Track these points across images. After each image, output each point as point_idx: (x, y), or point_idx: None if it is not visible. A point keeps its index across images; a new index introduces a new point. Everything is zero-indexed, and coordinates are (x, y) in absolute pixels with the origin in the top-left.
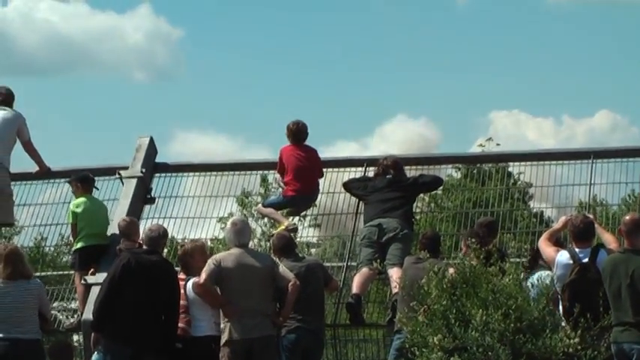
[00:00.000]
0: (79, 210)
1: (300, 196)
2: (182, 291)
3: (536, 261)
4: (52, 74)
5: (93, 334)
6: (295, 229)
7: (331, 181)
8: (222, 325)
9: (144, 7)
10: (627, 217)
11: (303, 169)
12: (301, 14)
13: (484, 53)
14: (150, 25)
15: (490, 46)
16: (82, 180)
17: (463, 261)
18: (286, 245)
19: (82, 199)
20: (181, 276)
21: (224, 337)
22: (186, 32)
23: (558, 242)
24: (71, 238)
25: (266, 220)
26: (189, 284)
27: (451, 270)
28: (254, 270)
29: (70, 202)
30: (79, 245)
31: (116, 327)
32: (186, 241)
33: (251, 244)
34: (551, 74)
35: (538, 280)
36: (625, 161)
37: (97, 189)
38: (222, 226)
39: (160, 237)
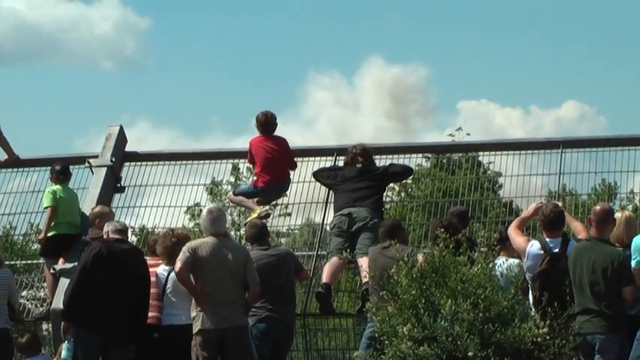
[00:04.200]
0: (56, 196)
1: (270, 187)
2: (153, 279)
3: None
4: (18, 63)
5: (63, 323)
6: (268, 215)
7: (301, 171)
8: (193, 314)
9: None
10: (598, 207)
11: (271, 161)
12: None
13: (453, 43)
14: (117, 14)
15: (459, 36)
16: (62, 171)
17: (432, 250)
18: (259, 233)
19: (57, 187)
20: (151, 262)
21: (196, 326)
22: (153, 22)
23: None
24: (42, 225)
25: (234, 209)
26: (173, 273)
27: (420, 257)
28: (228, 260)
29: (39, 191)
30: (51, 233)
31: (87, 316)
32: (159, 230)
33: None
34: (518, 65)
35: (508, 270)
36: (594, 151)
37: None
38: (190, 217)
39: (127, 229)
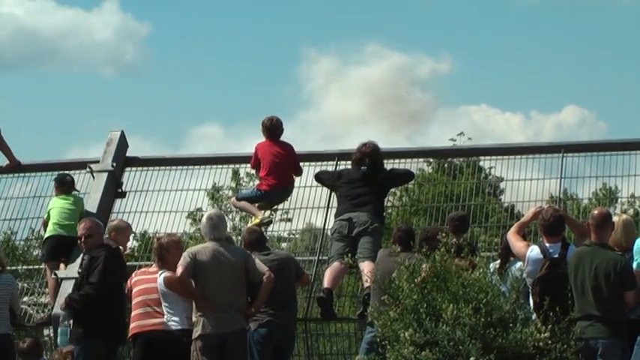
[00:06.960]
0: (51, 209)
1: (274, 191)
2: (154, 284)
3: (507, 258)
4: (18, 68)
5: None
6: (270, 222)
7: (302, 175)
8: (194, 319)
9: (110, 3)
10: (596, 212)
11: (278, 165)
12: (268, 7)
13: (454, 47)
14: (117, 21)
15: (459, 41)
16: (58, 182)
17: (434, 255)
18: (257, 239)
19: (56, 199)
20: (154, 269)
21: (197, 331)
22: (152, 28)
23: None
24: (42, 232)
25: (236, 214)
26: (160, 278)
27: (424, 266)
28: (228, 264)
29: (40, 196)
30: (48, 235)
31: (97, 324)
32: (161, 234)
33: None
34: (518, 70)
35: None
36: (595, 155)
37: (77, 191)
38: (191, 221)
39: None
